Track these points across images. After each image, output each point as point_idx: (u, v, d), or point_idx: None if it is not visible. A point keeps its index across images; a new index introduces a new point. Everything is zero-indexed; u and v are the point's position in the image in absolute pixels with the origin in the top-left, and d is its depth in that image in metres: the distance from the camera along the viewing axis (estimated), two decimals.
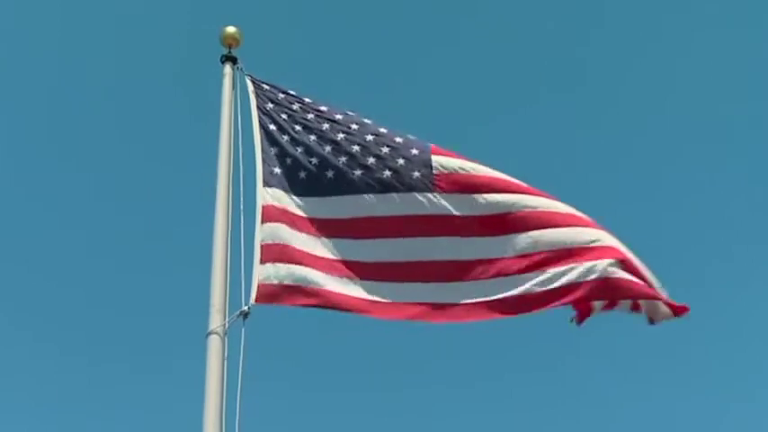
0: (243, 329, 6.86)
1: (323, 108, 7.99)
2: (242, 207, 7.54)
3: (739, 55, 22.42)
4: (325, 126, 7.82)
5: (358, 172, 7.57)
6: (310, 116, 7.91)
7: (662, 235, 21.64)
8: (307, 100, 8.05)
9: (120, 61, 21.42)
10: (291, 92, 8.13)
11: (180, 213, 20.25)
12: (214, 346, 6.79)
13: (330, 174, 7.63)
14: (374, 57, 23.32)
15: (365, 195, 7.49)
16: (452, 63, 22.94)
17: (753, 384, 20.05)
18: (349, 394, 19.20)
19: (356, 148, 7.66)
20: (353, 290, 7.13)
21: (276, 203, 7.46)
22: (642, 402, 19.80)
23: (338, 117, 7.90)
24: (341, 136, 7.75)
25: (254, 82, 8.24)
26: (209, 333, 6.83)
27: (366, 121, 7.91)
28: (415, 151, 7.57)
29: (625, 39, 23.09)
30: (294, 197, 7.52)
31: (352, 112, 8.01)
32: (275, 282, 7.06)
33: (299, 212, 7.44)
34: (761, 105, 21.94)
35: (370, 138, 7.72)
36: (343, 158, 7.64)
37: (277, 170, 7.65)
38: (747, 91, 22.34)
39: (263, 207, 7.42)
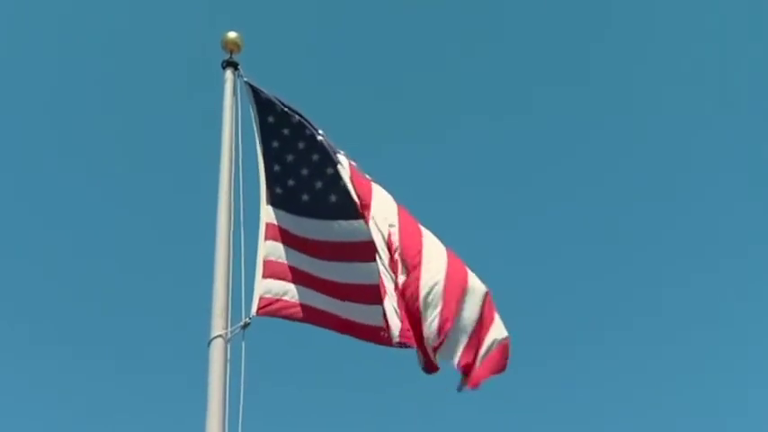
0: (243, 342, 7.08)
1: (307, 132, 8.09)
2: (242, 207, 7.72)
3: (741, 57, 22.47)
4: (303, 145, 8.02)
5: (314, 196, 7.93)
6: (307, 132, 8.07)
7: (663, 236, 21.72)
8: (297, 119, 8.13)
9: (122, 65, 21.51)
10: (287, 107, 8.19)
11: (184, 217, 20.28)
12: (217, 352, 6.94)
13: (306, 197, 7.95)
14: (373, 62, 23.36)
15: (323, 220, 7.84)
16: (452, 65, 23.02)
17: None
18: (353, 396, 19.24)
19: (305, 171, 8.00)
20: (327, 305, 7.63)
21: (277, 223, 7.84)
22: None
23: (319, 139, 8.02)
24: (316, 156, 7.99)
25: (253, 89, 8.31)
26: (212, 339, 7.00)
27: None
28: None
29: (624, 39, 23.17)
30: (293, 216, 7.87)
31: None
32: (275, 296, 7.54)
33: (297, 232, 7.82)
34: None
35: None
36: (320, 183, 7.95)
37: (279, 190, 7.97)
38: (748, 91, 22.38)
39: (267, 224, 7.81)
